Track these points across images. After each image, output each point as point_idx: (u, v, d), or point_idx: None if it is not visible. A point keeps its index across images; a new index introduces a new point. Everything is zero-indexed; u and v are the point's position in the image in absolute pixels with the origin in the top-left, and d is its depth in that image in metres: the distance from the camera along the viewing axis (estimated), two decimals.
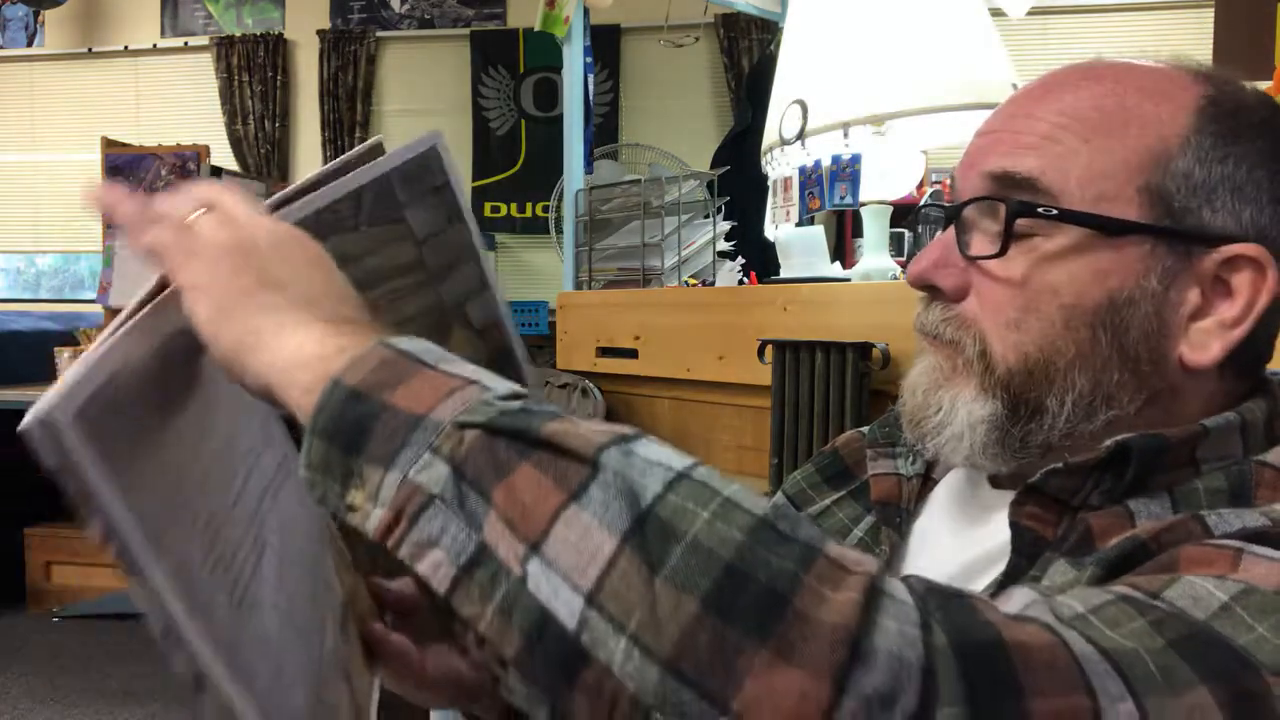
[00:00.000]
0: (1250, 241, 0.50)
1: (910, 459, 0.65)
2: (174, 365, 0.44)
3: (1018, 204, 0.52)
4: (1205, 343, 0.51)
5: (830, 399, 1.45)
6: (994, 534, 0.53)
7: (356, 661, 0.53)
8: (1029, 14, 2.39)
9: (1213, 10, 2.02)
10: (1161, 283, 0.51)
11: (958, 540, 0.58)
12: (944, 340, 0.56)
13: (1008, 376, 0.53)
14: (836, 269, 1.82)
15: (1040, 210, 0.52)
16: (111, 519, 0.36)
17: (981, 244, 0.54)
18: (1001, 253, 0.53)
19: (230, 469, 0.46)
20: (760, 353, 1.57)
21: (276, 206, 0.51)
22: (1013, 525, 0.50)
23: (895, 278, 1.70)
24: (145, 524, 0.37)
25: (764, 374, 1.57)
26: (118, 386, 0.39)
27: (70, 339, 2.78)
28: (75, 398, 0.36)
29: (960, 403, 0.55)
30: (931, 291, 0.57)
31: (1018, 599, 0.39)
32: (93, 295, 3.38)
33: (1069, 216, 0.51)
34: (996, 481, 0.59)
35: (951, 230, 0.56)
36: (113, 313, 3.06)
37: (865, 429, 0.70)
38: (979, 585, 0.52)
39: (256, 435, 0.50)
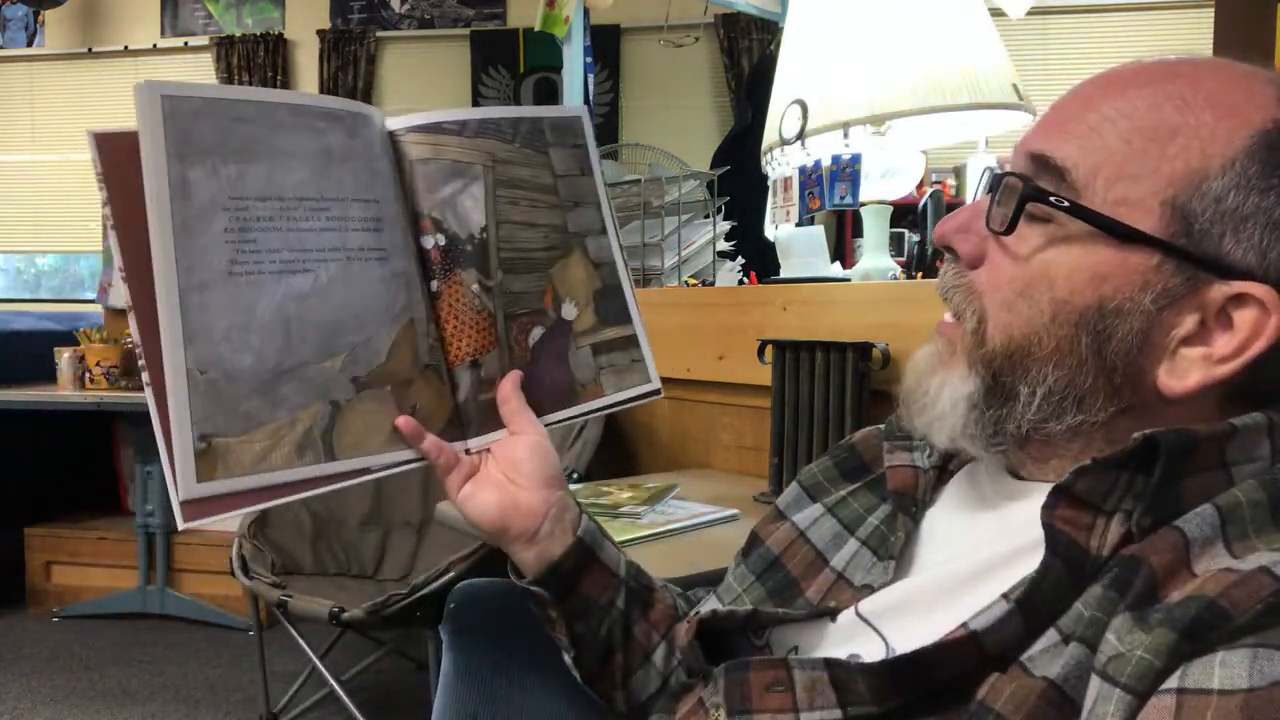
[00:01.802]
0: (1269, 282, 0.48)
1: (927, 452, 0.65)
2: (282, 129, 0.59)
3: (1033, 189, 0.52)
4: (1186, 370, 0.50)
5: (830, 399, 1.45)
6: (1023, 529, 0.52)
7: (360, 419, 0.61)
8: (1029, 14, 2.40)
9: (1213, 10, 2.01)
10: (1156, 302, 0.49)
11: (979, 530, 0.57)
12: (950, 306, 0.57)
13: (991, 355, 0.54)
14: (836, 269, 1.83)
15: (1052, 200, 0.51)
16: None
17: (1004, 218, 0.54)
18: (1007, 231, 0.53)
19: (295, 202, 0.59)
20: (760, 353, 1.57)
21: (433, 124, 0.66)
22: (1046, 527, 0.49)
23: (895, 278, 1.70)
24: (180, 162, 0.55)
25: (764, 374, 1.57)
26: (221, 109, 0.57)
27: (70, 339, 2.76)
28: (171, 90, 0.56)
29: (947, 386, 0.56)
30: (951, 253, 0.58)
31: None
32: (93, 295, 3.37)
33: (1079, 212, 0.51)
34: (1017, 473, 0.58)
35: (987, 198, 0.56)
36: (113, 313, 3.05)
37: (883, 425, 0.71)
38: (1007, 578, 0.50)
39: (355, 192, 0.61)
